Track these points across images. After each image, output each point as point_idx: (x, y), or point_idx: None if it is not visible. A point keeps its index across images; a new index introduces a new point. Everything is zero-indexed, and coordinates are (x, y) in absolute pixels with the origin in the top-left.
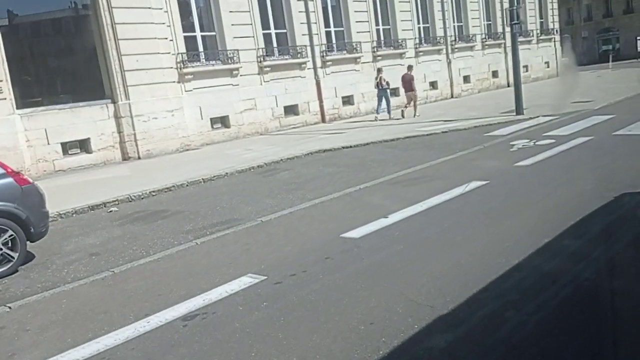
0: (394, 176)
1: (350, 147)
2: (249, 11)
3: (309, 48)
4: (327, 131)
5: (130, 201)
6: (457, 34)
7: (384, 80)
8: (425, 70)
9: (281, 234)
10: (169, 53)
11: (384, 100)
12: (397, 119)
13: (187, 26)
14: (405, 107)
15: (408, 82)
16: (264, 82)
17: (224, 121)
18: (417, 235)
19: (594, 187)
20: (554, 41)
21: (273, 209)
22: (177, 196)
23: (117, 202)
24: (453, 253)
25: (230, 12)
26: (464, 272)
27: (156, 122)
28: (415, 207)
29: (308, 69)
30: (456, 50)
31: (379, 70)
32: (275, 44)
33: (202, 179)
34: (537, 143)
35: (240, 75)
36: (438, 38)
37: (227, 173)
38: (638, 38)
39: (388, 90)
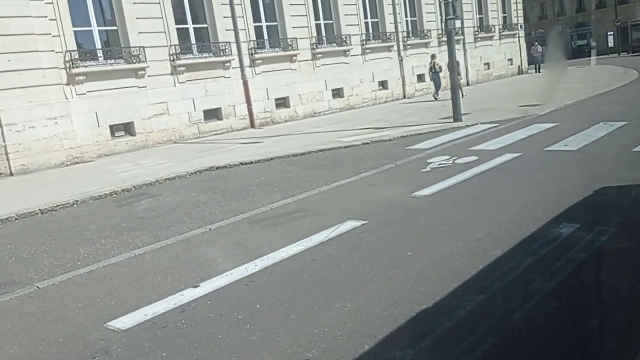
0: (265, 209)
1: (250, 162)
2: (159, 3)
3: (234, 45)
4: (246, 139)
5: None
6: (410, 29)
7: (437, 64)
8: (374, 69)
9: (36, 316)
10: (53, 51)
11: (440, 82)
12: (444, 99)
13: (81, 20)
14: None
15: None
16: (179, 83)
17: (128, 128)
18: (207, 328)
19: (484, 236)
20: (518, 37)
21: (73, 265)
22: None
23: None
24: None
25: (135, 3)
26: None
27: (34, 131)
28: (247, 267)
29: (233, 68)
30: (409, 47)
31: (433, 56)
32: (193, 40)
33: (40, 209)
34: (456, 161)
35: (148, 76)
36: (388, 34)
37: (76, 201)
38: (609, 33)
39: (440, 74)
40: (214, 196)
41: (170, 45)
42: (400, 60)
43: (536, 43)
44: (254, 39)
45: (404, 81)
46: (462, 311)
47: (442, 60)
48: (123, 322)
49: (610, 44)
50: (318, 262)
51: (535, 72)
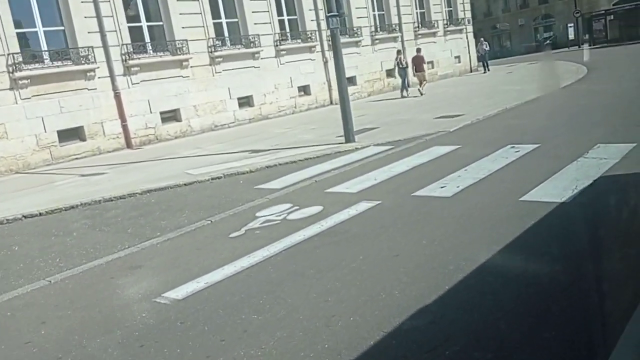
0: None
1: (39, 214)
2: None
3: (100, 50)
4: (98, 167)
5: None
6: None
7: (404, 60)
8: (292, 73)
9: None
10: None
11: (408, 78)
12: (415, 97)
13: None
14: (420, 86)
15: (419, 64)
16: (22, 99)
17: None
18: None
19: None
20: (466, 32)
21: None
22: None
23: None
24: None
25: None
26: None
27: None
28: None
29: (100, 77)
30: None
31: (399, 52)
32: (44, 47)
33: None
34: (290, 216)
35: None
36: (309, 32)
37: None
38: (570, 25)
39: (407, 70)
40: None
41: (9, 54)
42: (325, 62)
43: (482, 39)
44: (129, 42)
45: (330, 85)
46: None
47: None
48: None
49: (571, 36)
50: None
51: (484, 71)
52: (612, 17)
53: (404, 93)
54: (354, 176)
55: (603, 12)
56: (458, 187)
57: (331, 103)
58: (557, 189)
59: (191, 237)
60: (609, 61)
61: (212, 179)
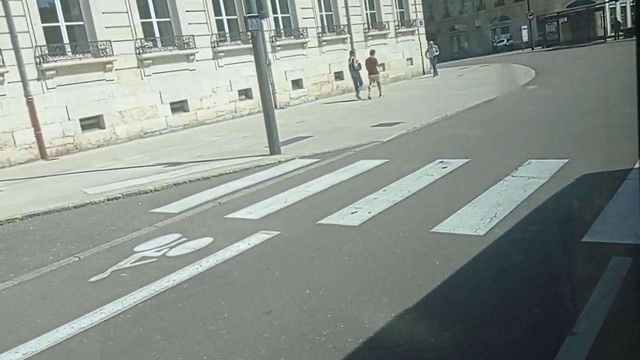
0: None
1: None
2: None
3: (12, 52)
4: None
5: None
6: (281, 27)
7: (357, 61)
8: (232, 76)
9: None
10: None
11: (361, 80)
12: (364, 100)
13: None
14: (370, 88)
15: (372, 65)
16: None
17: None
18: None
19: None
20: (418, 34)
21: None
22: None
23: None
24: None
25: None
26: None
27: None
28: None
29: (10, 83)
30: (279, 48)
31: (352, 53)
32: None
33: None
34: (170, 252)
35: None
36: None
37: None
38: (523, 27)
39: (360, 72)
40: None
41: None
42: (269, 64)
43: (431, 42)
44: (44, 43)
45: (274, 88)
46: None
47: (362, 57)
48: None
49: (525, 38)
50: None
51: (433, 75)
52: (565, 19)
53: (359, 95)
54: (264, 197)
55: (556, 14)
56: (370, 212)
57: (275, 107)
58: (474, 217)
59: (46, 281)
60: (558, 64)
61: (108, 199)
